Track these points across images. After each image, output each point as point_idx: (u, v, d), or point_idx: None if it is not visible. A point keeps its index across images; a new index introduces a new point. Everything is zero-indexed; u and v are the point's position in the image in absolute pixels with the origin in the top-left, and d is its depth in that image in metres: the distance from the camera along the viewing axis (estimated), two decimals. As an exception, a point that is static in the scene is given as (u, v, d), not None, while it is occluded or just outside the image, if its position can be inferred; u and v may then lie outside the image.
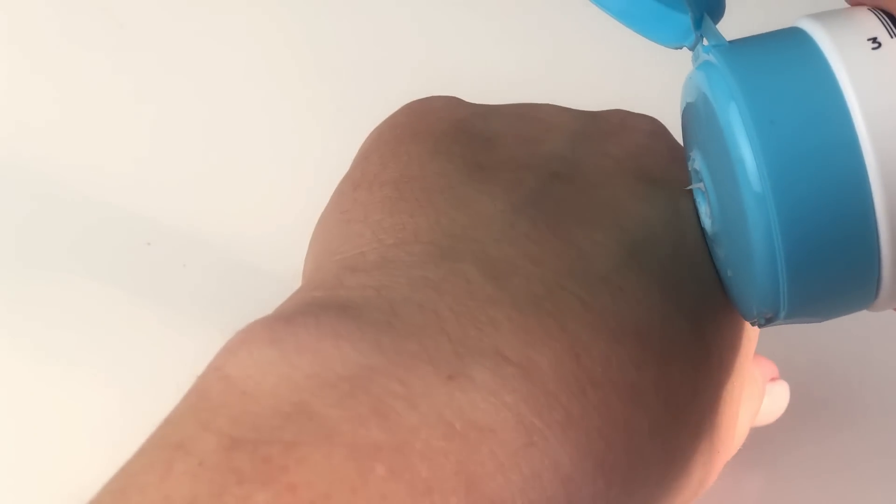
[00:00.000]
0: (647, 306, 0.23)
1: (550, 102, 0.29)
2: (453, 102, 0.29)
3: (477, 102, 0.29)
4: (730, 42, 0.23)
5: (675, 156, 0.28)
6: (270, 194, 0.39)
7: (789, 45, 0.22)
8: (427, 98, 0.29)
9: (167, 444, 0.19)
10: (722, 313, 0.25)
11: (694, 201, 0.26)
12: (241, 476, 0.18)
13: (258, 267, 0.37)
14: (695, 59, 0.24)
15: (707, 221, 0.25)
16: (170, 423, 0.20)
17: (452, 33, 0.44)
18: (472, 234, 0.24)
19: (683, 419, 0.24)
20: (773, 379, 0.32)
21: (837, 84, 0.21)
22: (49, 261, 0.37)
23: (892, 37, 0.21)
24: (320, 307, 0.22)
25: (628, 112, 0.29)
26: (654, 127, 0.29)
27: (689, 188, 0.25)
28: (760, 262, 0.22)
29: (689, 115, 0.25)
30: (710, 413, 0.25)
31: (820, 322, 0.23)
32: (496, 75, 0.42)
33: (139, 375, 0.34)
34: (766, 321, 0.23)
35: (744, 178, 0.21)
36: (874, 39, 0.21)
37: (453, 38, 0.43)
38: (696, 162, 0.25)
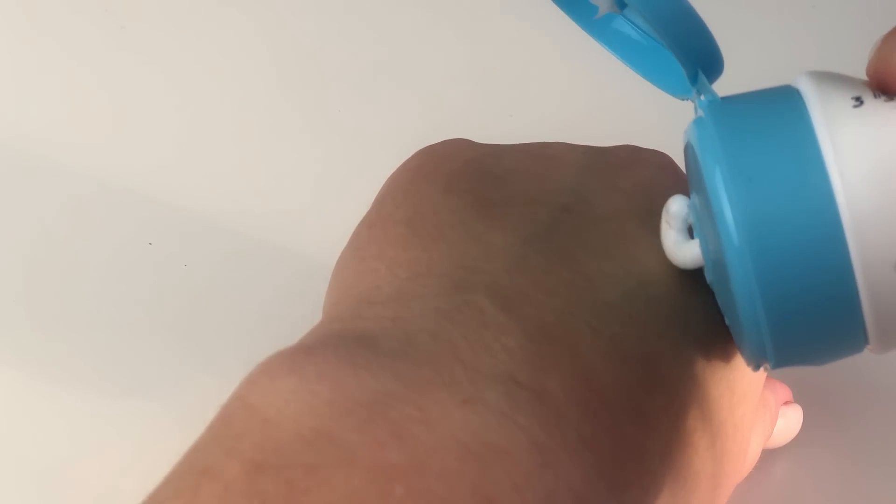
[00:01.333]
0: (657, 333, 0.24)
1: (564, 140, 0.29)
2: (464, 144, 0.29)
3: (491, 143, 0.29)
4: (723, 98, 0.23)
5: (684, 189, 0.28)
6: (272, 195, 0.39)
7: (778, 102, 0.23)
8: (439, 142, 0.29)
9: (193, 470, 0.20)
10: (730, 341, 0.25)
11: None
12: (265, 499, 0.19)
13: (259, 267, 0.37)
14: (694, 110, 0.24)
15: (706, 271, 0.25)
16: (196, 450, 0.21)
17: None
18: (484, 266, 0.25)
19: (693, 443, 0.24)
20: (786, 402, 0.32)
21: (817, 142, 0.22)
22: (49, 260, 0.37)
23: (875, 97, 0.22)
24: (339, 337, 0.22)
25: (637, 147, 0.30)
26: (662, 161, 0.29)
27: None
28: (743, 313, 0.22)
29: (687, 167, 0.25)
30: (720, 437, 0.25)
31: (818, 366, 0.24)
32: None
33: (139, 375, 0.34)
34: (759, 367, 0.24)
35: (724, 232, 0.22)
36: (857, 98, 0.22)
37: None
38: (691, 215, 0.25)
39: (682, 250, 0.25)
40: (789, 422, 0.32)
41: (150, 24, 0.44)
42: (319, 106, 0.42)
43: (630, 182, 0.28)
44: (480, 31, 0.44)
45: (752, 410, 0.27)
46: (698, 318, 0.25)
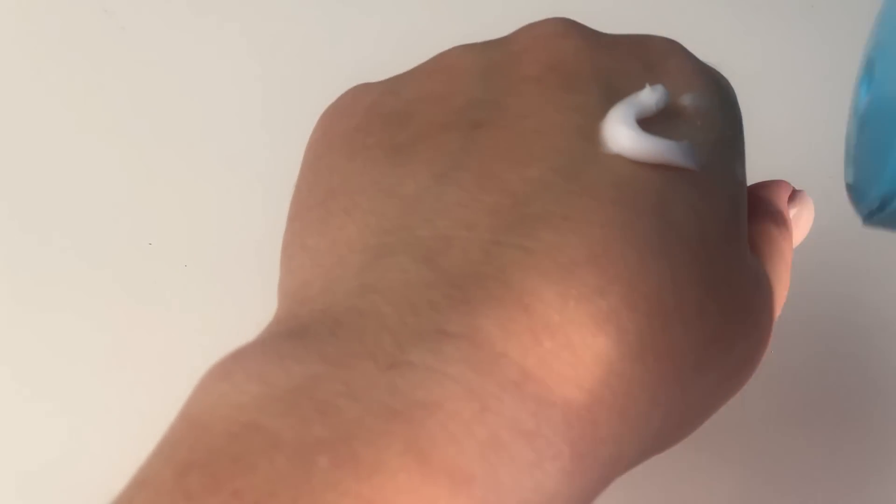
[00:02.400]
0: (601, 223, 0.22)
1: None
2: (360, 90, 0.28)
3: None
4: None
5: (596, 43, 0.26)
6: (272, 195, 0.39)
7: None
8: (335, 101, 0.28)
9: (132, 484, 0.20)
10: (706, 189, 0.23)
11: (631, 89, 0.25)
12: (189, 494, 0.19)
13: (259, 267, 0.37)
14: None
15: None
16: (139, 468, 0.21)
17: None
18: (402, 222, 0.23)
19: (683, 311, 0.22)
20: (791, 200, 0.29)
21: None
22: (51, 261, 0.37)
23: None
24: (270, 335, 0.22)
25: (533, 23, 0.28)
26: (562, 27, 0.27)
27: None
28: None
29: None
30: (721, 284, 0.23)
31: None
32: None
33: (139, 376, 0.34)
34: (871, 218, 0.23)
35: None
36: None
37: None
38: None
39: (633, 136, 0.23)
40: (803, 220, 0.29)
41: (151, 25, 0.44)
42: (319, 105, 0.42)
43: (537, 65, 0.26)
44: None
45: (747, 245, 0.25)
46: (653, 185, 0.23)
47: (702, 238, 0.23)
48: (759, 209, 0.27)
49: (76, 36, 0.44)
